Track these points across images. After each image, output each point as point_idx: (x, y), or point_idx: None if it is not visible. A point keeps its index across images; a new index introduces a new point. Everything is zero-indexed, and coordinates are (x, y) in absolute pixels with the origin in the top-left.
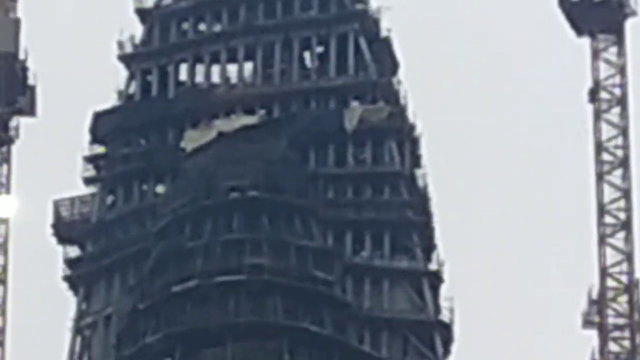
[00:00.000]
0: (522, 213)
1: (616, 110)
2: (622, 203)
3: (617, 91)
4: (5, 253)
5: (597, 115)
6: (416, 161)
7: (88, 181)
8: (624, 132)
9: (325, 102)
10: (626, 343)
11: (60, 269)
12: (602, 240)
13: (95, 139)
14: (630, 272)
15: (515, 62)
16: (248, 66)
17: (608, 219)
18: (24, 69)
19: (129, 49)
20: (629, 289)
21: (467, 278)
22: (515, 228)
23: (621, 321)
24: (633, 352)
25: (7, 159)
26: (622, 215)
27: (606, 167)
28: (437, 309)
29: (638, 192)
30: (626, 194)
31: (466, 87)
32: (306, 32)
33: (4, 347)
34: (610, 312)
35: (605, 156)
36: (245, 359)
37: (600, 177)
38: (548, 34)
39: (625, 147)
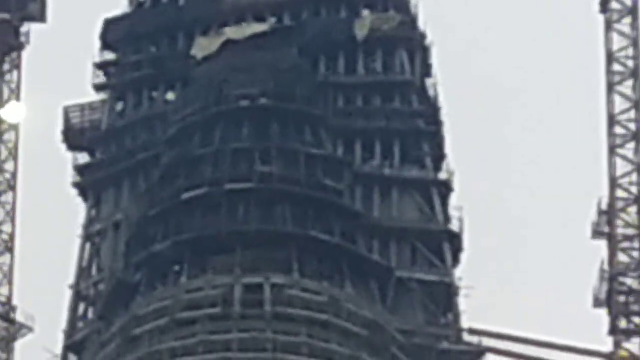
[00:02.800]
0: (534, 123)
1: (627, 20)
2: (632, 114)
3: (629, 1)
4: (15, 159)
5: (609, 26)
6: (427, 70)
7: (98, 88)
8: (635, 42)
9: (336, 11)
10: (635, 254)
11: (70, 176)
12: (612, 151)
13: (105, 45)
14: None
15: None
16: None
17: (618, 130)
18: None
19: None
20: (638, 200)
21: (477, 187)
22: (527, 138)
23: (630, 232)
24: None
25: (17, 65)
26: (632, 126)
27: (617, 78)
28: (447, 218)
29: None
30: (636, 105)
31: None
32: None
33: (14, 254)
34: (619, 222)
35: (616, 67)
36: (254, 267)
37: (610, 88)
38: None
39: (636, 57)
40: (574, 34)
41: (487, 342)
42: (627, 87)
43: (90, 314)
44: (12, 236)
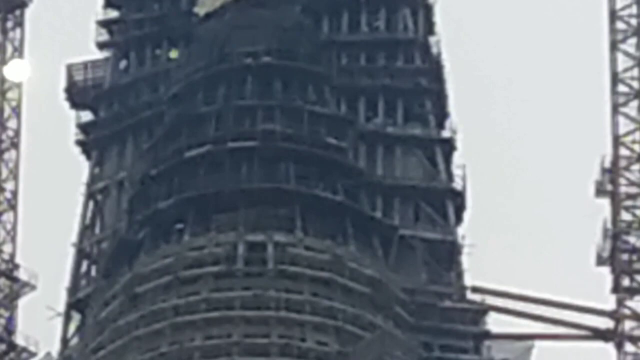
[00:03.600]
0: (537, 81)
1: (631, 9)
2: (635, 72)
3: None
4: (18, 117)
5: (613, 16)
6: (430, 28)
7: (101, 45)
8: (638, 1)
9: None
10: (638, 212)
11: (73, 134)
12: (615, 109)
13: (108, 3)
14: None
15: None
16: None
17: (621, 88)
18: None
19: None
20: None
21: (480, 146)
22: (530, 97)
23: (634, 190)
24: None
25: (20, 23)
26: (635, 84)
27: (620, 36)
28: (450, 176)
29: None
30: (639, 62)
31: None
32: None
33: (16, 211)
34: (622, 181)
35: (619, 25)
36: (257, 225)
37: (613, 46)
38: None
39: (639, 16)
40: None
41: (490, 300)
42: (630, 45)
43: (93, 272)
44: (15, 194)
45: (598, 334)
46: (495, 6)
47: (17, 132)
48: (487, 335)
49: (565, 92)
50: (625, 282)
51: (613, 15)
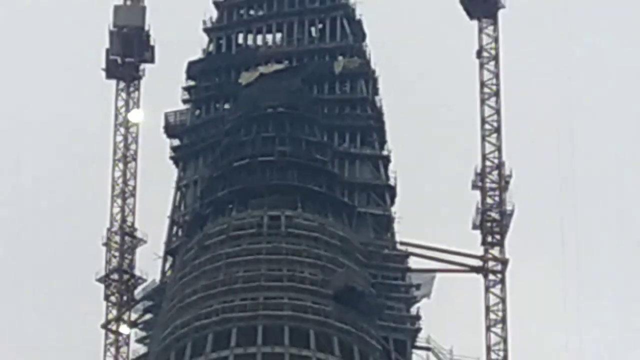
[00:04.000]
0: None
1: (492, 64)
2: (495, 117)
3: (492, 52)
4: (136, 142)
5: (481, 65)
6: (375, 91)
7: (185, 102)
8: (497, 76)
9: (323, 57)
10: (497, 199)
11: (168, 152)
12: (483, 138)
13: (189, 76)
14: None
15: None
16: (278, 35)
17: (487, 126)
18: (148, 36)
19: (208, 25)
20: (499, 166)
21: (405, 160)
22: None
23: (493, 185)
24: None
25: (137, 88)
26: (495, 124)
27: (486, 96)
28: (387, 177)
29: None
30: (497, 111)
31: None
32: (312, 16)
33: (135, 197)
34: (487, 180)
35: (485, 89)
36: (275, 205)
37: (482, 102)
38: (451, 19)
39: (497, 84)
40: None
41: (410, 249)
42: (492, 101)
43: (180, 233)
44: (134, 187)
45: (473, 269)
46: (421, 81)
47: (136, 151)
48: (409, 269)
49: (454, 127)
50: (489, 239)
51: (482, 84)
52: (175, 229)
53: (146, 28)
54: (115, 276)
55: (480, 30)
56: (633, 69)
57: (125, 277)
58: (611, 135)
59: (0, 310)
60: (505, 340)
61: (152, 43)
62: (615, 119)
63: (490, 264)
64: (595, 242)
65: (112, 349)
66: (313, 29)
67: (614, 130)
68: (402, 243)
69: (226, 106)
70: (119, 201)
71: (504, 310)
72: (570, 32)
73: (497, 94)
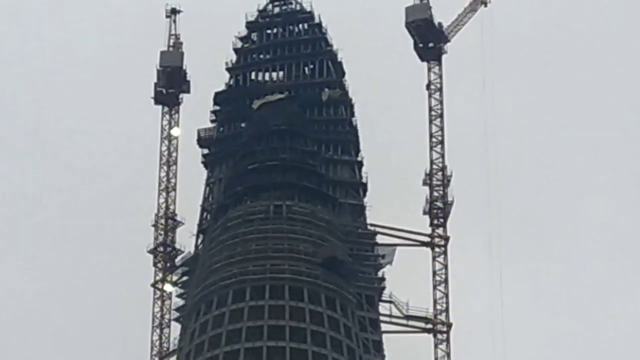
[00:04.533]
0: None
1: (437, 94)
2: (440, 133)
3: (437, 85)
4: (176, 151)
5: (429, 95)
6: (352, 113)
7: (212, 121)
8: (441, 102)
9: (314, 89)
10: (441, 192)
11: (200, 159)
12: (431, 148)
13: (215, 103)
14: None
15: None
16: (281, 73)
17: (434, 139)
18: (185, 73)
19: (230, 65)
20: (443, 169)
21: (374, 164)
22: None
23: (438, 182)
24: None
25: (177, 111)
26: (439, 139)
27: (433, 118)
28: (361, 176)
29: None
30: (441, 129)
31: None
32: (306, 59)
33: (176, 191)
34: (434, 179)
35: (433, 112)
36: (279, 197)
37: (430, 121)
38: (407, 61)
39: (442, 109)
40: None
41: (378, 229)
42: (437, 122)
43: (208, 218)
44: (175, 184)
45: (423, 244)
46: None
47: (176, 157)
48: (376, 244)
49: (409, 139)
50: (435, 222)
51: (430, 109)
52: (205, 214)
53: (184, 67)
54: (161, 249)
55: (429, 69)
56: (541, 93)
57: (168, 249)
58: (526, 144)
59: (74, 276)
60: (447, 296)
61: (188, 78)
62: (528, 130)
63: (436, 240)
64: (513, 223)
65: (159, 302)
66: (306, 68)
67: (528, 141)
68: (371, 225)
69: (242, 125)
70: (164, 194)
71: (446, 274)
72: (494, 70)
73: (441, 115)
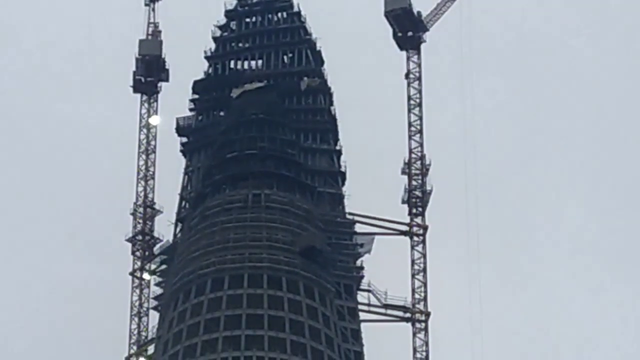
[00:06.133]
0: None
1: (416, 83)
2: (418, 122)
3: (417, 74)
4: (155, 139)
5: (408, 84)
6: (331, 102)
7: (191, 110)
8: (420, 92)
9: (292, 77)
10: (420, 182)
11: (179, 147)
12: (410, 137)
13: (194, 91)
14: None
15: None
16: (259, 62)
17: (412, 129)
18: (164, 62)
19: (209, 54)
20: (422, 158)
21: (351, 154)
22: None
23: (417, 172)
24: None
25: (156, 100)
26: (418, 128)
27: (412, 107)
28: (340, 166)
29: None
30: (420, 118)
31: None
32: (284, 48)
33: (155, 179)
34: (413, 169)
35: (411, 102)
36: (257, 186)
37: (409, 110)
38: (386, 50)
39: (420, 98)
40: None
41: (356, 217)
42: (416, 111)
43: (187, 206)
44: (154, 173)
45: (402, 233)
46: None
47: (155, 146)
48: (355, 233)
49: (388, 128)
50: (413, 211)
51: (409, 98)
52: (184, 203)
53: (163, 56)
54: (140, 237)
55: (408, 59)
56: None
57: (147, 238)
58: (504, 134)
59: (52, 264)
60: (425, 285)
61: (167, 67)
62: (507, 120)
63: (415, 229)
64: (492, 212)
65: (138, 290)
66: (285, 57)
67: (507, 131)
68: (349, 214)
69: (221, 113)
70: (143, 182)
71: (425, 263)
72: (472, 60)
73: (419, 105)
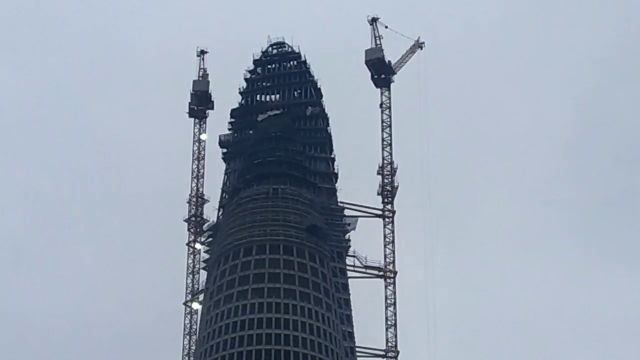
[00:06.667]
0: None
1: (387, 111)
2: (388, 130)
3: (387, 104)
4: (204, 150)
5: (382, 111)
6: (327, 124)
7: (229, 129)
8: (390, 117)
9: (300, 107)
10: (390, 179)
11: (221, 155)
12: (383, 147)
13: (232, 116)
14: None
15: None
16: (277, 96)
17: (384, 135)
18: (210, 95)
19: (242, 90)
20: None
21: (343, 157)
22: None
23: (387, 172)
24: None
25: (205, 122)
26: (387, 138)
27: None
28: (333, 168)
29: None
30: (389, 126)
31: (343, 103)
32: (295, 87)
33: (204, 178)
34: (386, 170)
35: (384, 123)
36: (275, 183)
37: (382, 130)
38: (366, 87)
39: (390, 121)
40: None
41: (346, 205)
42: (387, 130)
43: (226, 197)
44: (203, 174)
45: (377, 215)
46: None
47: (204, 155)
48: (344, 216)
49: (368, 143)
50: (386, 200)
51: (382, 121)
52: (224, 194)
53: (209, 91)
54: (193, 218)
55: (381, 93)
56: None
57: (198, 219)
58: (451, 149)
59: (131, 241)
60: (394, 252)
61: (212, 99)
62: (455, 137)
63: (386, 213)
64: (441, 201)
65: (192, 256)
66: (295, 93)
67: (454, 146)
68: (340, 202)
69: (250, 132)
70: (195, 180)
71: (393, 237)
72: (428, 94)
73: (390, 125)
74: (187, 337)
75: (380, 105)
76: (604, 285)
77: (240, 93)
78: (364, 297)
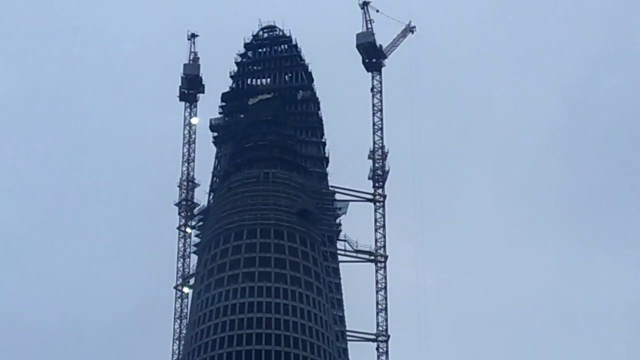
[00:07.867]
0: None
1: (378, 95)
2: (378, 122)
3: (378, 88)
4: (195, 134)
5: (373, 95)
6: (318, 108)
7: (220, 113)
8: (381, 101)
9: (291, 91)
10: (381, 164)
11: (211, 139)
12: (374, 132)
13: (222, 100)
14: None
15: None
16: (269, 80)
17: (376, 125)
18: (201, 79)
19: (233, 74)
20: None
21: (334, 142)
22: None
23: (378, 161)
24: None
25: (195, 106)
26: (379, 126)
27: (376, 116)
28: (325, 152)
29: None
30: (381, 118)
31: (334, 88)
32: (286, 70)
33: (195, 162)
34: (376, 156)
35: (375, 108)
36: (266, 166)
37: (373, 114)
38: (357, 71)
39: (382, 105)
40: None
41: (337, 189)
42: (378, 115)
43: (217, 181)
44: (194, 158)
45: (368, 200)
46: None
47: (194, 139)
48: (335, 200)
49: (359, 127)
50: (377, 184)
51: (373, 105)
52: (215, 178)
53: (200, 75)
54: (184, 202)
55: (372, 78)
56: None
57: (189, 203)
58: (441, 133)
59: (123, 220)
60: (384, 236)
61: (203, 83)
62: (444, 122)
63: (377, 197)
64: (430, 185)
65: (183, 240)
66: (286, 77)
67: (443, 131)
68: (331, 186)
69: (241, 116)
70: (186, 164)
71: (384, 221)
72: (418, 79)
73: (381, 110)
74: (178, 321)
75: (372, 90)
76: (592, 271)
77: (231, 77)
78: (355, 281)
